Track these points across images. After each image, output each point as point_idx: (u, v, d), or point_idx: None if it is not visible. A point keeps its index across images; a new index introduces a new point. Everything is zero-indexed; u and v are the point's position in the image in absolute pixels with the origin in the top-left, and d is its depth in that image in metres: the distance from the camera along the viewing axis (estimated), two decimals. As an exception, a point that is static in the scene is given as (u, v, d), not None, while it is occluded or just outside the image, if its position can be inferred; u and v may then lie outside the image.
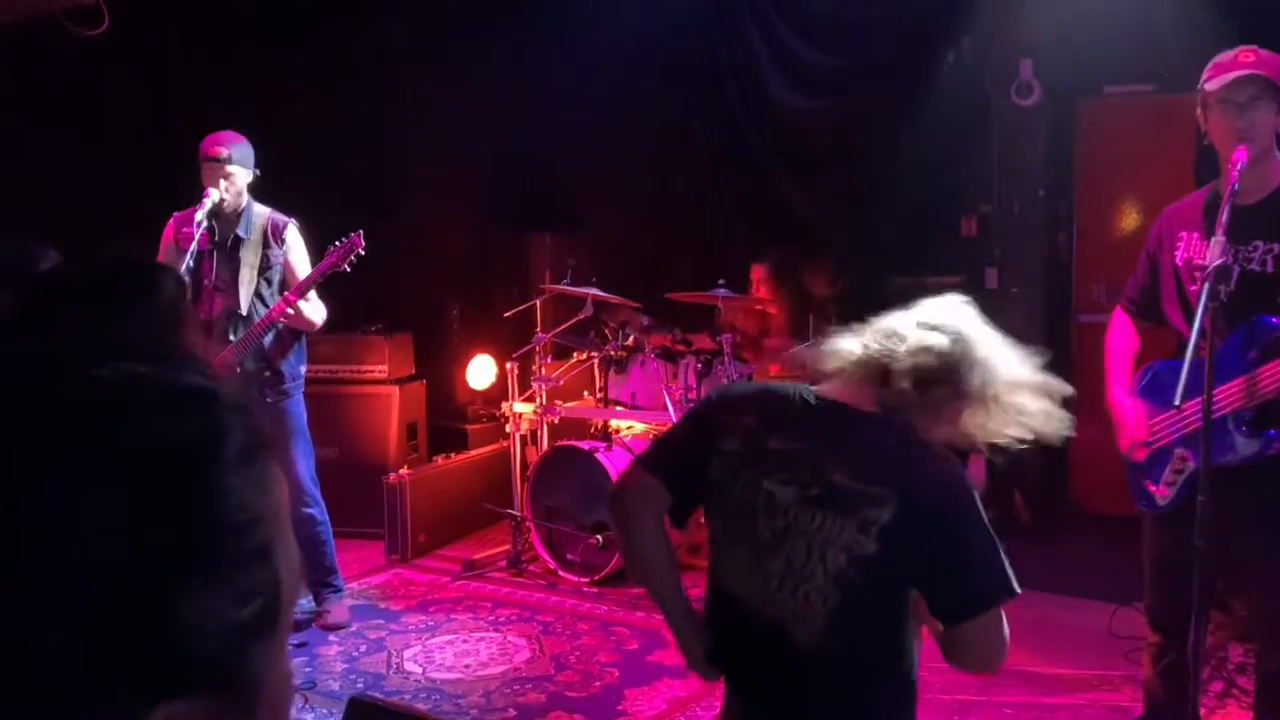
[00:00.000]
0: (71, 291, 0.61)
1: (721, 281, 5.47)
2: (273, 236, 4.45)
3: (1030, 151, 6.26)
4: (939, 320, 2.06)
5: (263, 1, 6.35)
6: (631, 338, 5.60)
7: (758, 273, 6.02)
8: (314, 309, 4.43)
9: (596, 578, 5.14)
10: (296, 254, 4.49)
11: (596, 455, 5.16)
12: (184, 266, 4.26)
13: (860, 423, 2.01)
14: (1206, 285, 2.55)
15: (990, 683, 4.00)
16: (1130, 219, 5.95)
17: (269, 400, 4.37)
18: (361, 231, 4.32)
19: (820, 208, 6.39)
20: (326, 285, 4.43)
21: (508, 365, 5.77)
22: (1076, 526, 6.02)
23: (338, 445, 5.91)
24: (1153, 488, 2.89)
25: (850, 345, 2.04)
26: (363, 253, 4.31)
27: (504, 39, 6.47)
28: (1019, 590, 1.97)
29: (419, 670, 4.27)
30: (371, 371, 6.12)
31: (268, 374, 4.40)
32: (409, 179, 6.57)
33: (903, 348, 2.01)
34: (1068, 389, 2.09)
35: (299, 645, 4.46)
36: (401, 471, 5.73)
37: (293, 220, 4.52)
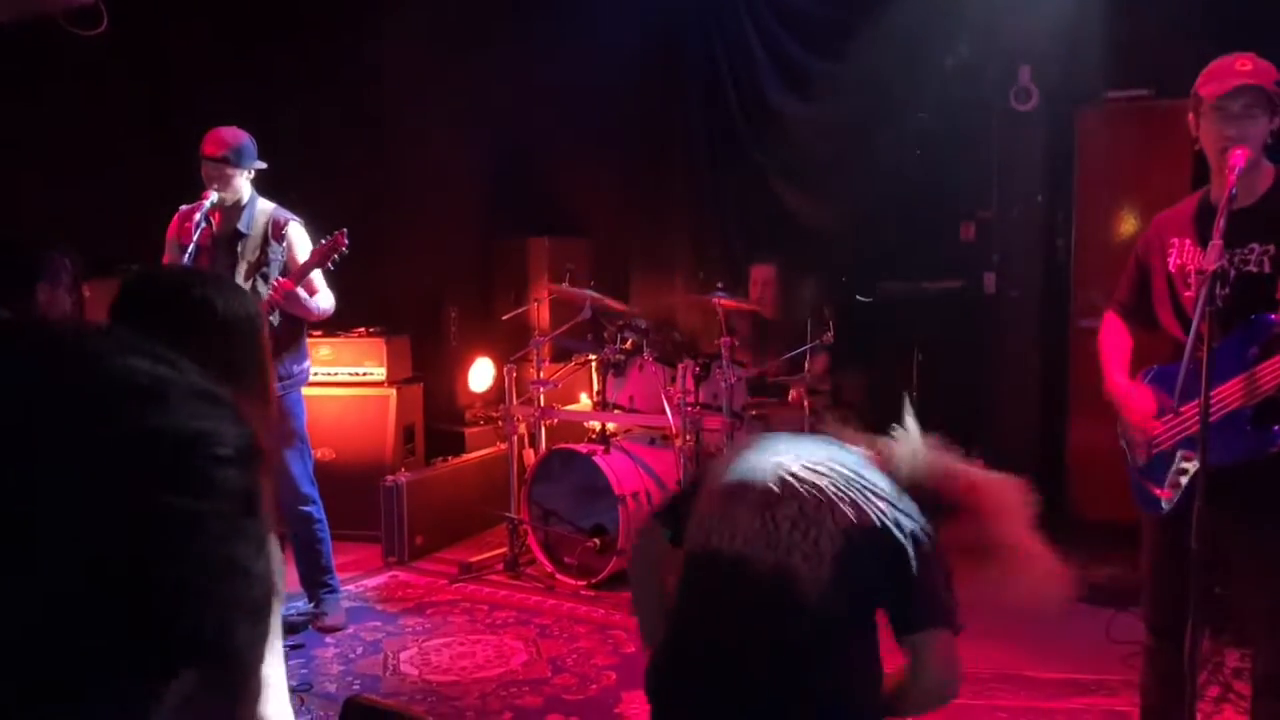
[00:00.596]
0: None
1: (720, 285, 5.47)
2: (273, 234, 4.45)
3: (1029, 157, 6.26)
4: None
5: (263, 2, 6.35)
6: (629, 341, 5.60)
7: (759, 274, 6.03)
8: (322, 297, 4.44)
9: (594, 581, 5.13)
10: (299, 250, 4.49)
11: (594, 458, 5.16)
12: (184, 261, 4.27)
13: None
14: (1204, 288, 2.56)
15: (988, 686, 4.00)
16: (1129, 224, 5.95)
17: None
18: (345, 230, 4.32)
19: (818, 213, 6.41)
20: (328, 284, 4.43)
21: (505, 368, 5.77)
22: (1074, 531, 6.00)
23: (335, 447, 5.91)
24: (1156, 490, 2.89)
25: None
26: (346, 250, 4.31)
27: (505, 42, 6.48)
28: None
29: (415, 672, 4.26)
30: (369, 374, 6.12)
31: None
32: (409, 181, 6.57)
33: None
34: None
35: (295, 647, 4.45)
36: (399, 474, 5.73)
37: (296, 218, 4.52)
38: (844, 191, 6.30)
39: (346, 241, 4.30)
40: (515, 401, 5.70)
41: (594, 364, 5.71)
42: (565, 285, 5.69)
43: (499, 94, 6.50)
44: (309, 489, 4.57)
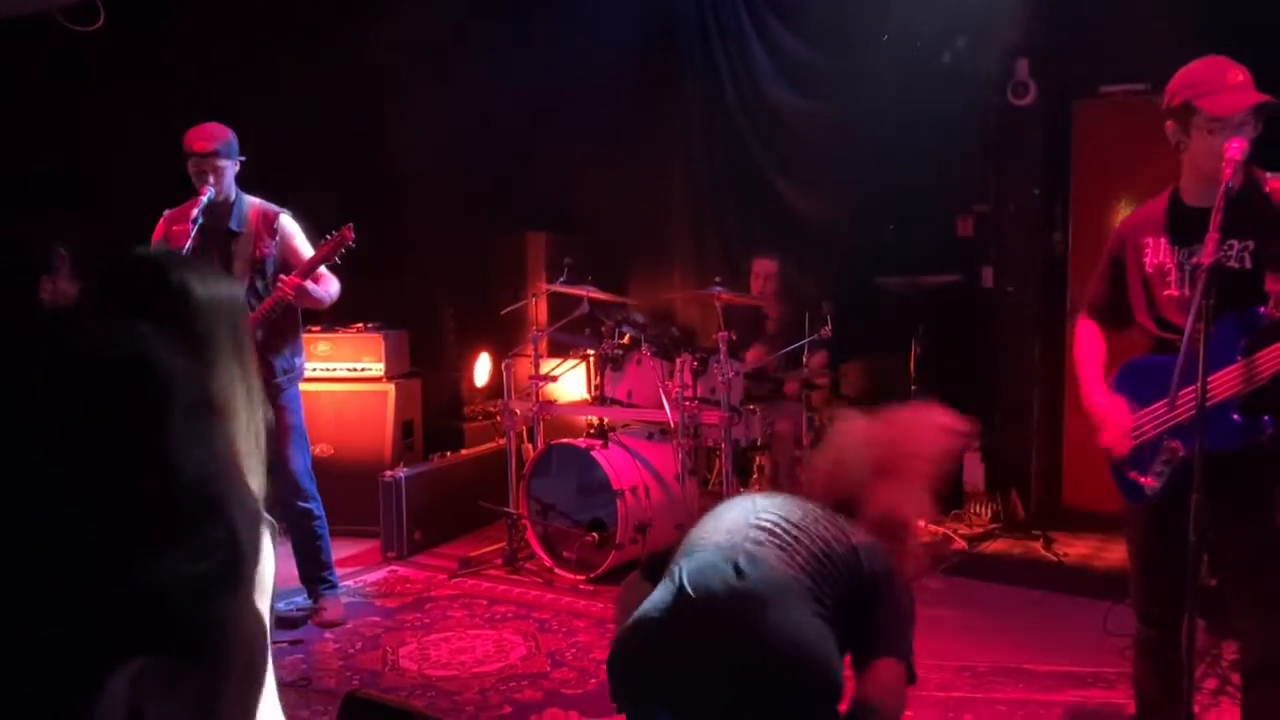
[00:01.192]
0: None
1: (718, 280, 5.47)
2: (265, 229, 4.44)
3: (1026, 151, 6.27)
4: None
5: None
6: (627, 335, 5.61)
7: (760, 267, 6.03)
8: (329, 284, 4.44)
9: (593, 575, 5.14)
10: (296, 240, 4.49)
11: (593, 453, 5.16)
12: None
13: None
14: (1201, 282, 2.58)
15: (985, 680, 4.01)
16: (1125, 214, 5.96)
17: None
18: (352, 225, 4.32)
19: (817, 207, 6.41)
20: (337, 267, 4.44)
21: (504, 363, 5.77)
22: (1072, 524, 6.03)
23: (334, 443, 5.92)
24: (1140, 479, 2.91)
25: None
26: (352, 244, 4.31)
27: (503, 39, 6.47)
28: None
29: (415, 667, 4.27)
30: (368, 369, 6.12)
31: (260, 365, 4.38)
32: (407, 177, 6.57)
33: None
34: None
35: (294, 642, 4.46)
36: (397, 469, 5.73)
37: (284, 210, 4.51)
38: (842, 186, 6.30)
39: (353, 235, 4.30)
40: (513, 396, 5.71)
41: (592, 359, 5.71)
42: (563, 280, 5.69)
43: (496, 89, 6.50)
44: (308, 485, 4.57)
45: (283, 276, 4.34)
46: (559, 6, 6.42)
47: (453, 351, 7.21)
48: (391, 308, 6.36)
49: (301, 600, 4.71)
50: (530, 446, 5.70)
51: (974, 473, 6.27)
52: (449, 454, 6.19)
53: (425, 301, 6.93)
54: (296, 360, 4.57)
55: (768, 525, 2.21)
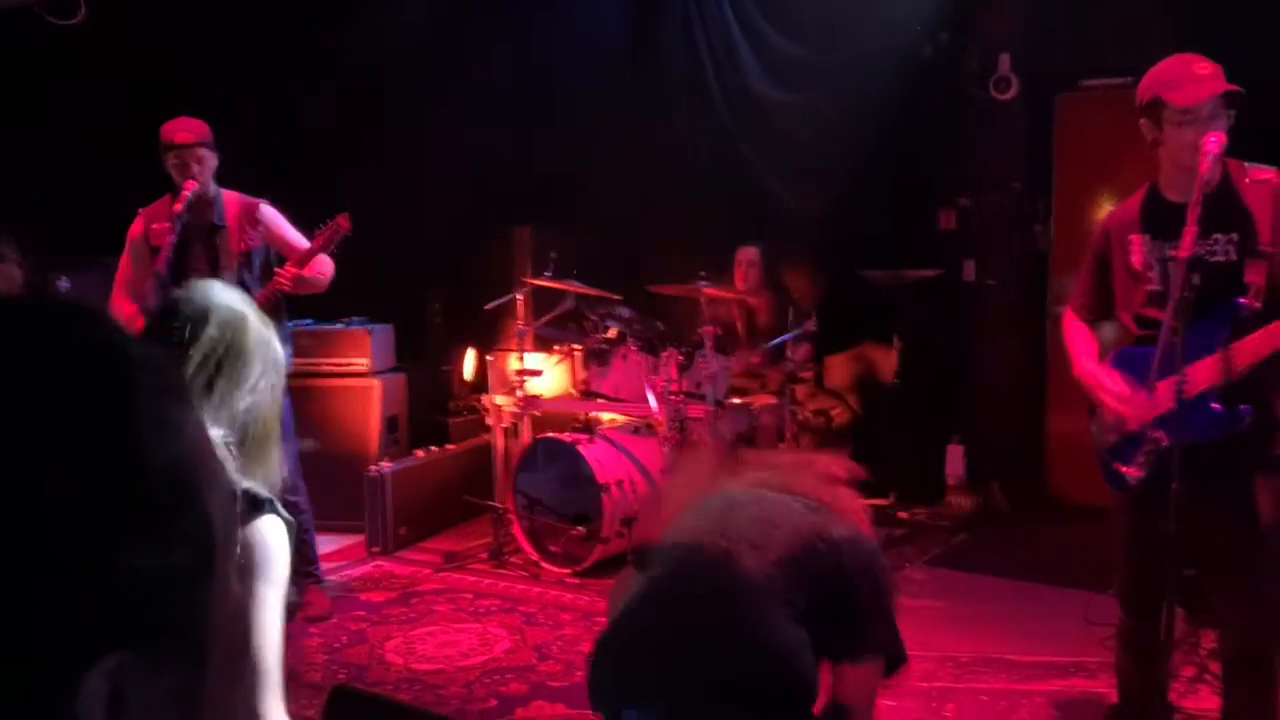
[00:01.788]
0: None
1: (703, 274, 5.48)
2: (246, 220, 4.43)
3: (1008, 145, 6.31)
4: None
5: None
6: (613, 330, 5.62)
7: (743, 255, 6.05)
8: (323, 265, 4.42)
9: (579, 569, 5.16)
10: (283, 226, 4.48)
11: (578, 447, 5.18)
12: (164, 261, 4.25)
13: None
14: (1180, 274, 2.61)
15: (968, 670, 4.04)
16: (1107, 212, 6.00)
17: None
18: (348, 214, 4.31)
19: (800, 201, 6.43)
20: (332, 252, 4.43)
21: (489, 358, 5.77)
22: (1053, 515, 6.08)
23: (319, 438, 5.90)
24: (1124, 469, 2.94)
25: None
26: (349, 233, 4.30)
27: (487, 34, 6.47)
28: None
29: (401, 661, 4.28)
30: (353, 364, 6.11)
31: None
32: (392, 171, 6.55)
33: None
34: None
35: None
36: (383, 464, 5.73)
37: (262, 199, 4.50)
38: (825, 179, 6.32)
39: (349, 225, 4.29)
40: (499, 391, 5.71)
41: (578, 353, 5.72)
42: (548, 275, 5.69)
43: (482, 84, 6.49)
44: (293, 479, 4.57)
45: (278, 269, 4.33)
46: (544, 3, 6.42)
47: (438, 346, 7.21)
48: (377, 302, 6.35)
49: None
50: (515, 441, 5.71)
51: (956, 464, 6.31)
52: (434, 449, 6.19)
53: (411, 296, 6.92)
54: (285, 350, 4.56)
55: (744, 521, 2.20)
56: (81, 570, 0.54)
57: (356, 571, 5.40)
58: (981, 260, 6.45)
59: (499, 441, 5.68)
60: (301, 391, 5.19)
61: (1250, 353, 2.73)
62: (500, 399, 5.70)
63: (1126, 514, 3.04)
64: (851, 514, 2.36)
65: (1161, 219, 2.86)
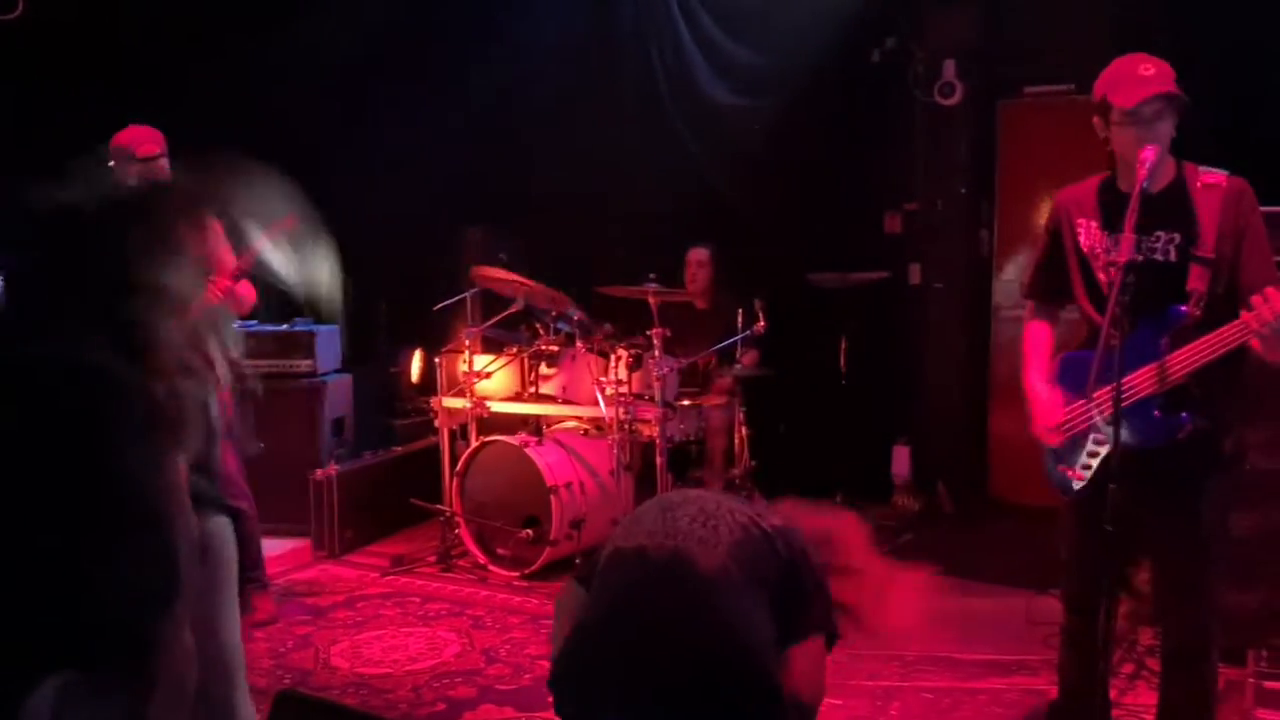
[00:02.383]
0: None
1: (652, 276, 5.49)
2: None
3: (953, 150, 6.39)
4: None
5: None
6: (562, 332, 5.61)
7: (694, 255, 6.08)
8: (244, 291, 4.43)
9: (527, 572, 5.14)
10: (218, 240, 4.45)
11: (527, 450, 5.17)
12: None
13: None
14: (1118, 281, 2.66)
15: (912, 669, 4.09)
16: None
17: (208, 390, 4.31)
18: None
19: (749, 203, 6.46)
20: (253, 276, 4.40)
21: (436, 360, 5.74)
22: (996, 516, 6.17)
23: (264, 440, 5.82)
24: (1069, 473, 2.99)
25: None
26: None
27: (439, 34, 6.43)
28: None
29: (347, 665, 4.23)
30: (298, 366, 6.05)
31: (199, 364, 4.34)
32: (339, 172, 6.49)
33: None
34: None
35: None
36: (329, 467, 5.67)
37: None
38: (773, 183, 6.37)
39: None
40: (447, 393, 5.68)
41: (527, 355, 5.71)
42: (497, 276, 5.67)
43: (433, 85, 6.45)
44: (238, 482, 4.51)
45: (213, 279, 4.29)
46: (497, 8, 6.40)
47: (385, 347, 7.15)
48: (323, 303, 6.27)
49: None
50: (463, 444, 5.68)
51: (901, 465, 6.39)
52: (381, 451, 6.14)
53: (358, 297, 6.85)
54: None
55: (685, 521, 2.22)
56: (48, 583, 0.54)
57: (302, 575, 5.34)
58: (927, 264, 6.54)
59: (446, 444, 5.65)
60: (247, 393, 5.12)
61: (1187, 362, 2.78)
62: (448, 401, 5.67)
63: (1071, 516, 3.08)
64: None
65: (1117, 209, 2.87)
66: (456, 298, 5.84)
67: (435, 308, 5.92)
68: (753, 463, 5.76)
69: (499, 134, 6.61)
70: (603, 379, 5.21)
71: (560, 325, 5.61)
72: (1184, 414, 2.82)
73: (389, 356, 7.14)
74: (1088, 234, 2.99)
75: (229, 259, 4.41)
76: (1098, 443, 2.91)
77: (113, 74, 5.90)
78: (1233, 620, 3.35)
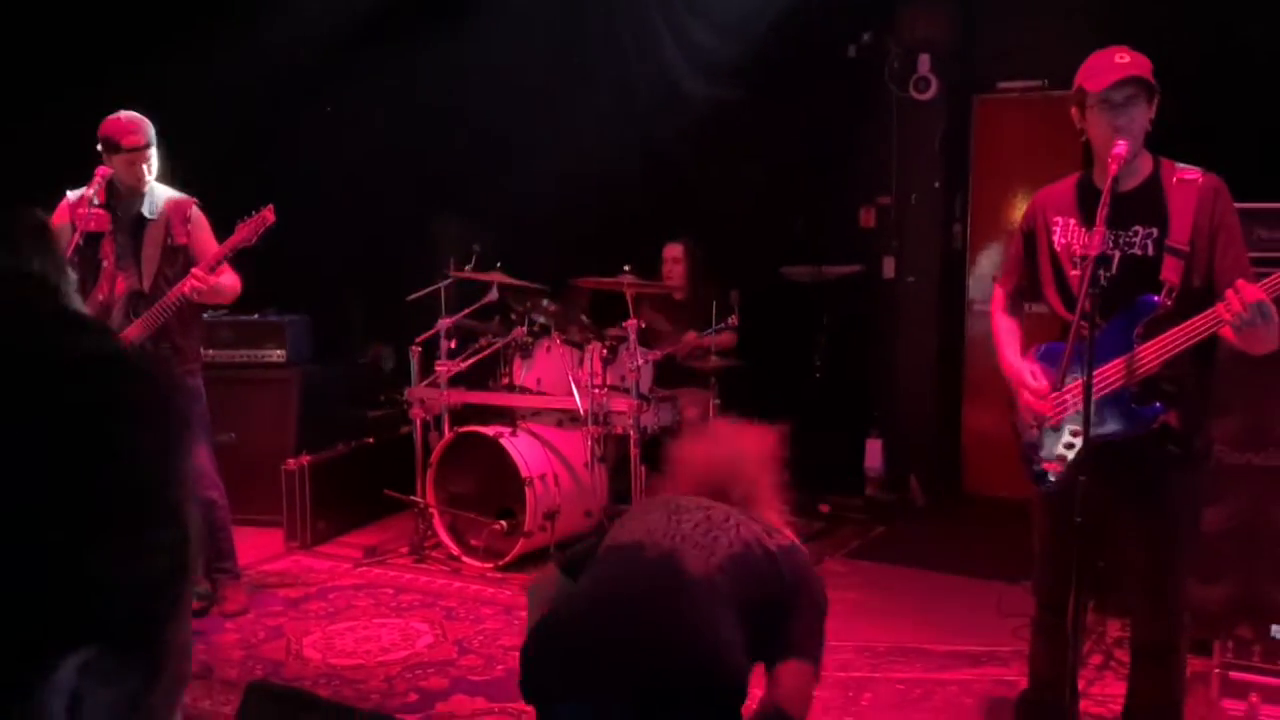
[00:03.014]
0: None
1: (627, 268, 5.49)
2: (176, 217, 4.39)
3: (927, 145, 6.42)
4: None
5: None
6: (537, 323, 5.60)
7: (670, 251, 6.08)
8: (228, 280, 4.39)
9: (501, 563, 5.13)
10: (203, 231, 4.44)
11: (501, 441, 5.15)
12: (73, 248, 4.16)
13: None
14: (1087, 272, 2.68)
15: (884, 660, 4.12)
16: (1022, 211, 6.15)
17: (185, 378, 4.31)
18: (272, 205, 4.27)
19: (724, 196, 6.47)
20: (231, 263, 4.38)
21: (411, 350, 5.71)
22: (968, 509, 6.22)
23: (236, 430, 5.79)
24: (1045, 465, 3.01)
25: None
26: (273, 224, 4.26)
27: (411, 30, 6.39)
28: None
29: (319, 656, 4.21)
30: (270, 355, 6.01)
31: (171, 352, 4.33)
32: (312, 163, 6.45)
33: None
34: None
35: (195, 633, 4.37)
36: (301, 457, 5.64)
37: (195, 200, 4.47)
38: (748, 176, 6.38)
39: (274, 217, 4.25)
40: (420, 384, 5.66)
41: (501, 346, 5.69)
42: (472, 267, 5.65)
43: (406, 77, 6.42)
44: (210, 473, 4.49)
45: (194, 270, 4.27)
46: (472, 4, 6.37)
47: (359, 338, 7.11)
48: (296, 294, 6.24)
49: (202, 589, 4.62)
50: (437, 435, 5.66)
51: (874, 458, 6.42)
52: (354, 442, 6.11)
53: (331, 287, 6.81)
54: (199, 349, 4.55)
55: (688, 526, 2.24)
56: (71, 562, 0.54)
57: (274, 566, 5.31)
58: (901, 257, 6.57)
59: (420, 434, 5.63)
60: (218, 383, 5.09)
61: (1157, 354, 2.80)
62: (422, 391, 5.65)
63: (1045, 507, 3.11)
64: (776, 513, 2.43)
65: (1093, 207, 2.89)
66: (430, 288, 5.81)
67: (409, 298, 5.89)
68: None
69: (472, 123, 6.58)
70: (577, 370, 5.20)
71: (535, 316, 5.60)
72: (1157, 404, 2.85)
73: (363, 347, 7.10)
74: (1065, 231, 3.02)
75: (211, 247, 4.38)
76: (1074, 434, 2.93)
77: (75, 60, 5.83)
78: (1200, 612, 3.39)
